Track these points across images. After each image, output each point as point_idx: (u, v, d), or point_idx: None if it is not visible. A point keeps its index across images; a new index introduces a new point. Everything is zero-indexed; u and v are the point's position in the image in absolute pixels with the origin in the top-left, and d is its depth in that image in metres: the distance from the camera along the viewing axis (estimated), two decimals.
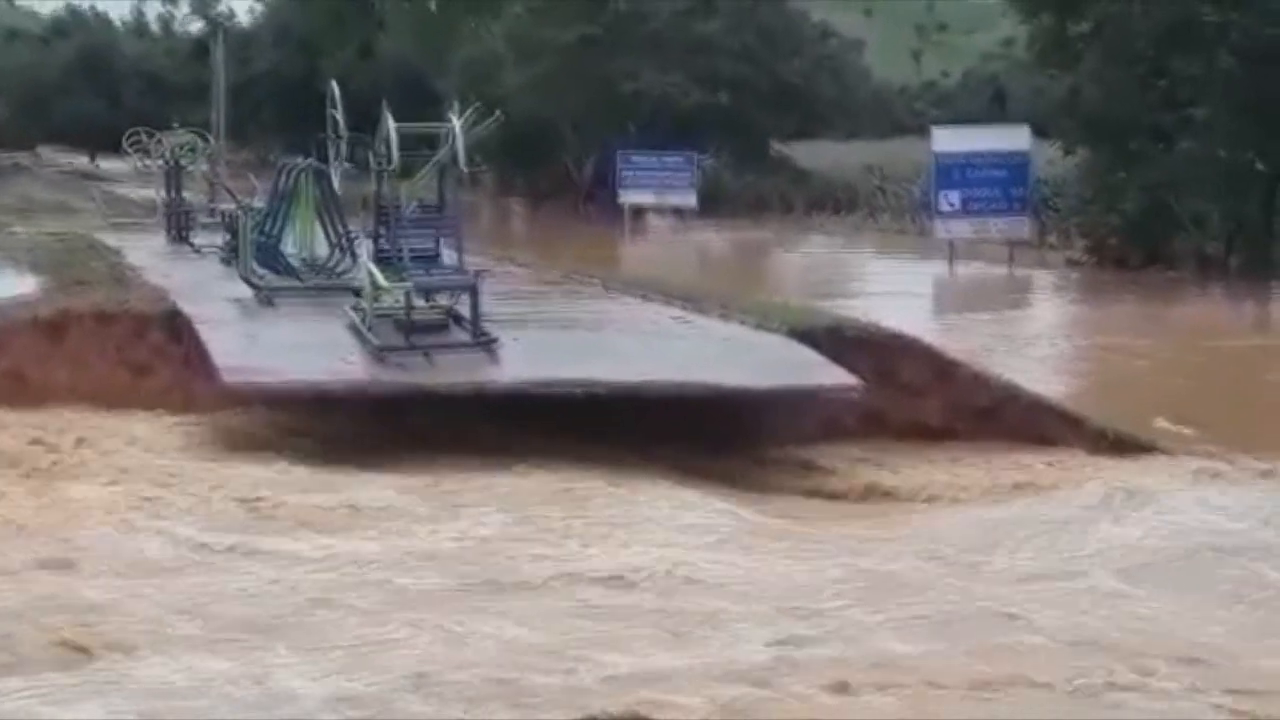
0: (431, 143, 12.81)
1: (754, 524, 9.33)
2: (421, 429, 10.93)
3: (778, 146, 51.59)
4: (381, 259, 12.49)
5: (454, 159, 12.33)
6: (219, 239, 18.64)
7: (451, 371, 11.26)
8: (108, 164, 58.44)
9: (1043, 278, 29.44)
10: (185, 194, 23.25)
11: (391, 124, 12.19)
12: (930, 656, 6.76)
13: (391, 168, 12.39)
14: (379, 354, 11.54)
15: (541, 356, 11.69)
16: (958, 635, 7.07)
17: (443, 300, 12.30)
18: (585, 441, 10.77)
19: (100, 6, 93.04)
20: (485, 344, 11.78)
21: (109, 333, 12.26)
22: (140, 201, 32.41)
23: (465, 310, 12.06)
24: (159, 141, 24.86)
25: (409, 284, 11.88)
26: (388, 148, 12.27)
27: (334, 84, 13.95)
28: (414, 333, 11.78)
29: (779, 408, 11.64)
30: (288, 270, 15.02)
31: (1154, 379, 17.17)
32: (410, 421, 10.99)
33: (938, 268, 29.43)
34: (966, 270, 29.15)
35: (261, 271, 14.76)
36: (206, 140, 26.01)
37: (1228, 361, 18.23)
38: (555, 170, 52.11)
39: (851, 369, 11.80)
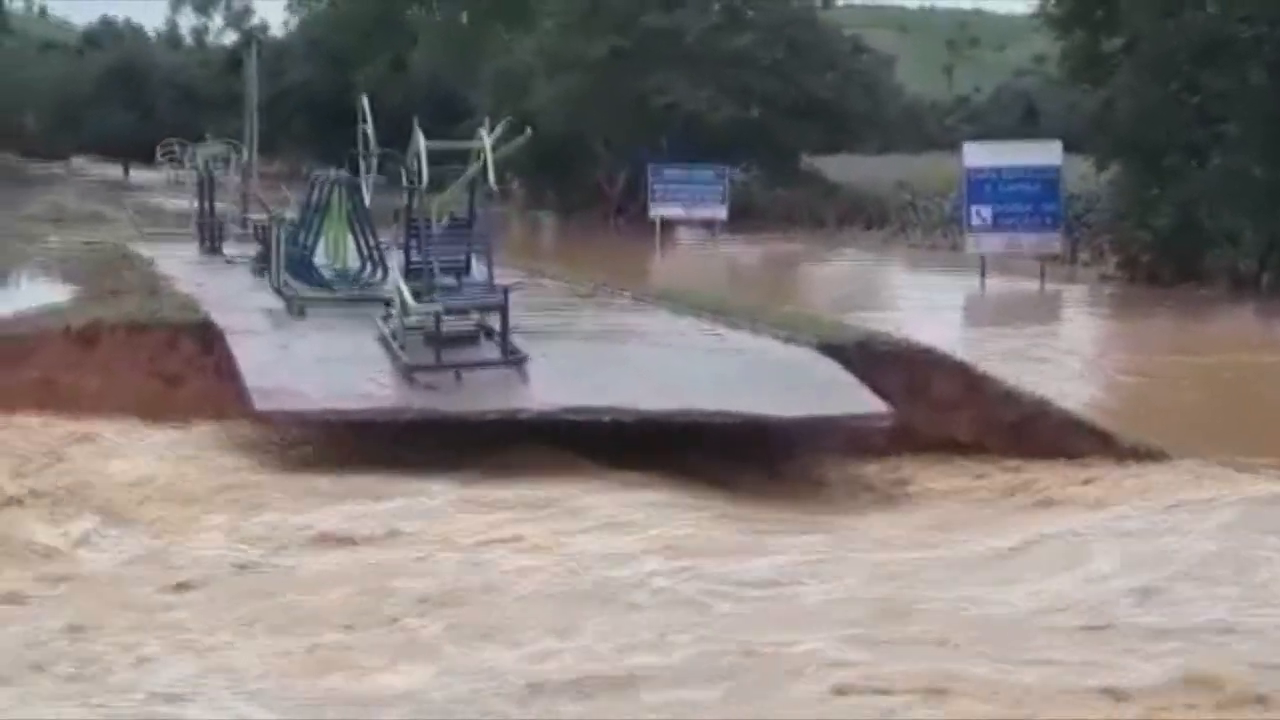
0: (462, 157, 12.84)
1: None
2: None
3: (808, 160, 51.62)
4: (412, 271, 12.52)
5: (484, 174, 12.35)
6: (251, 250, 18.71)
7: (482, 396, 11.25)
8: (140, 175, 58.83)
9: (1074, 294, 29.35)
10: (217, 205, 23.35)
11: (422, 141, 12.21)
12: None
13: (422, 186, 12.42)
14: (409, 373, 11.58)
15: (571, 378, 11.65)
16: None
17: (472, 314, 12.34)
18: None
19: (134, 18, 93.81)
20: (515, 362, 11.80)
21: (141, 342, 12.30)
22: (173, 212, 32.59)
23: (495, 323, 12.09)
24: (192, 153, 24.98)
25: (439, 306, 11.89)
26: (418, 164, 12.30)
27: (364, 98, 14.00)
28: (444, 347, 11.81)
29: (810, 432, 11.63)
30: (319, 281, 15.06)
31: (1186, 395, 17.10)
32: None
33: (969, 283, 29.35)
34: (997, 285, 29.06)
35: (293, 283, 14.80)
36: (239, 151, 26.12)
37: (1261, 378, 18.14)
38: (586, 183, 52.23)
39: (881, 383, 11.78)
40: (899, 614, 7.56)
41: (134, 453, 10.85)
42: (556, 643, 6.98)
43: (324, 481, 10.17)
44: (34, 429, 11.28)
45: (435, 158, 12.37)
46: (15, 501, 9.44)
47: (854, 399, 11.43)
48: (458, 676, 6.54)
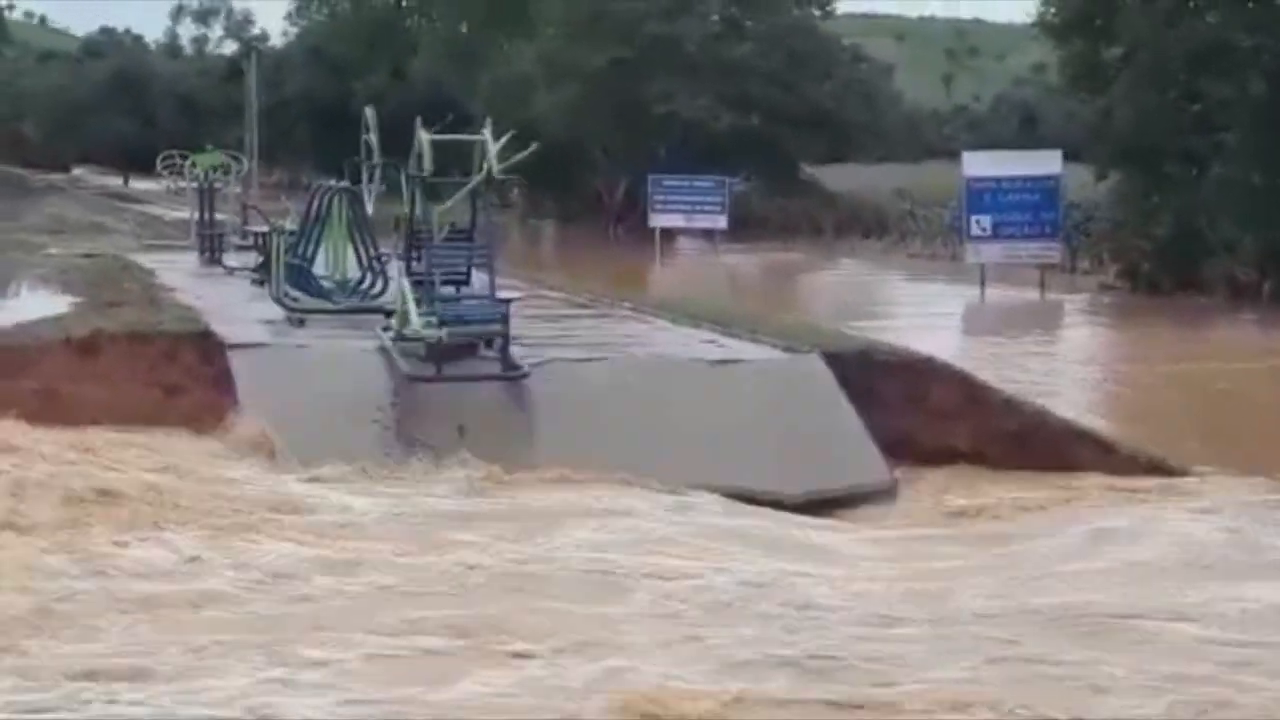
0: (464, 164, 12.86)
1: None
2: None
3: (808, 170, 51.63)
4: (413, 280, 12.55)
5: (487, 179, 12.37)
6: (251, 260, 18.73)
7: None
8: (141, 185, 58.78)
9: (1074, 302, 29.35)
10: (218, 215, 23.37)
11: (424, 134, 12.24)
12: None
13: (425, 174, 12.42)
14: (408, 383, 11.63)
15: (575, 428, 11.46)
16: None
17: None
18: None
19: (134, 28, 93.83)
20: (516, 376, 11.81)
21: (141, 353, 12.31)
22: (173, 222, 32.60)
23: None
24: (192, 163, 25.00)
25: (443, 332, 11.91)
26: (420, 160, 12.32)
27: (369, 110, 14.04)
28: (444, 358, 11.85)
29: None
30: (319, 292, 15.06)
31: (1184, 404, 17.11)
32: None
33: (969, 292, 29.38)
34: (997, 294, 29.08)
35: (294, 293, 14.80)
36: (239, 162, 26.17)
37: (1258, 386, 18.14)
38: (585, 192, 52.23)
39: (881, 392, 11.81)
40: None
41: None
42: (644, 662, 6.96)
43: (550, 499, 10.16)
44: (137, 450, 11.08)
45: (437, 165, 12.40)
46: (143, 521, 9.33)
47: (860, 466, 11.34)
48: (530, 688, 6.61)
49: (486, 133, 12.47)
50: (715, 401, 11.95)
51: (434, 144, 12.37)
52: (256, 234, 19.30)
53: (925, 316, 25.91)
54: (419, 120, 12.42)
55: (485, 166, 12.28)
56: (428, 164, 12.29)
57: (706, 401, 11.95)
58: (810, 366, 12.36)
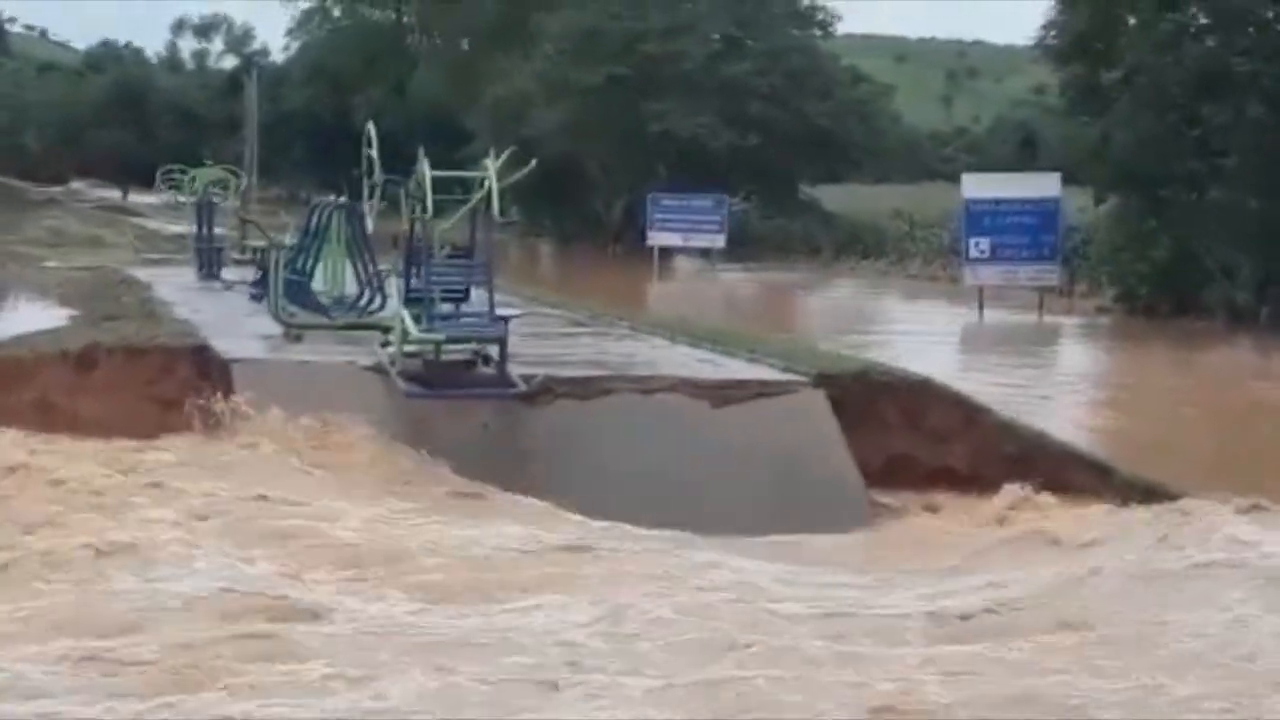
0: (465, 184, 12.86)
1: None
2: None
3: (806, 190, 51.70)
4: (412, 298, 12.53)
5: (487, 206, 12.36)
6: (249, 275, 18.72)
7: None
8: (139, 198, 58.82)
9: (1071, 326, 29.37)
10: (216, 230, 23.37)
11: (428, 171, 12.22)
12: None
13: (426, 217, 12.41)
14: (406, 398, 11.63)
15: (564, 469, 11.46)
16: None
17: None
18: None
19: (135, 41, 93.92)
20: (513, 395, 11.79)
21: (138, 366, 12.28)
22: (171, 236, 32.64)
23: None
24: (192, 178, 25.01)
25: (441, 335, 11.91)
26: (422, 193, 12.31)
27: (370, 125, 14.05)
28: (440, 375, 11.87)
29: None
30: (318, 308, 15.05)
31: (1180, 427, 17.11)
32: None
33: (967, 314, 29.39)
34: (995, 316, 29.09)
35: (292, 308, 14.78)
36: (238, 176, 26.18)
37: (1255, 411, 18.15)
38: (584, 211, 52.28)
39: (878, 414, 11.81)
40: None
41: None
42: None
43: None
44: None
45: (438, 185, 12.38)
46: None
47: (847, 515, 11.22)
48: None
49: (488, 162, 12.45)
50: (708, 441, 11.74)
51: (436, 176, 12.37)
52: (255, 249, 19.30)
53: (923, 338, 25.91)
54: (421, 150, 12.40)
55: (486, 192, 12.27)
56: (429, 203, 12.27)
57: (699, 443, 11.72)
58: (811, 403, 12.14)
